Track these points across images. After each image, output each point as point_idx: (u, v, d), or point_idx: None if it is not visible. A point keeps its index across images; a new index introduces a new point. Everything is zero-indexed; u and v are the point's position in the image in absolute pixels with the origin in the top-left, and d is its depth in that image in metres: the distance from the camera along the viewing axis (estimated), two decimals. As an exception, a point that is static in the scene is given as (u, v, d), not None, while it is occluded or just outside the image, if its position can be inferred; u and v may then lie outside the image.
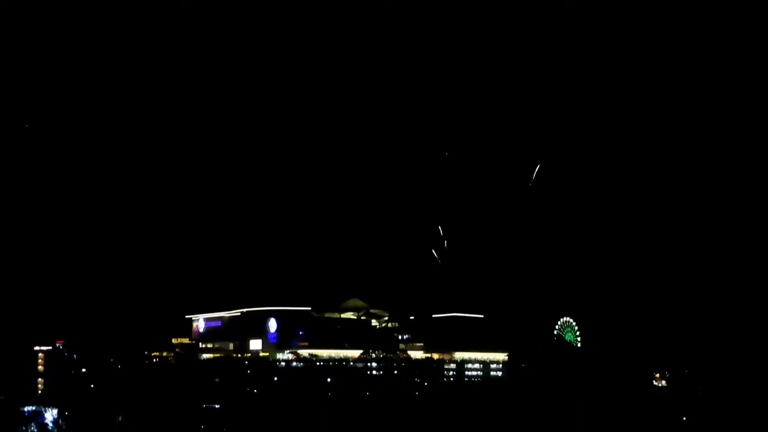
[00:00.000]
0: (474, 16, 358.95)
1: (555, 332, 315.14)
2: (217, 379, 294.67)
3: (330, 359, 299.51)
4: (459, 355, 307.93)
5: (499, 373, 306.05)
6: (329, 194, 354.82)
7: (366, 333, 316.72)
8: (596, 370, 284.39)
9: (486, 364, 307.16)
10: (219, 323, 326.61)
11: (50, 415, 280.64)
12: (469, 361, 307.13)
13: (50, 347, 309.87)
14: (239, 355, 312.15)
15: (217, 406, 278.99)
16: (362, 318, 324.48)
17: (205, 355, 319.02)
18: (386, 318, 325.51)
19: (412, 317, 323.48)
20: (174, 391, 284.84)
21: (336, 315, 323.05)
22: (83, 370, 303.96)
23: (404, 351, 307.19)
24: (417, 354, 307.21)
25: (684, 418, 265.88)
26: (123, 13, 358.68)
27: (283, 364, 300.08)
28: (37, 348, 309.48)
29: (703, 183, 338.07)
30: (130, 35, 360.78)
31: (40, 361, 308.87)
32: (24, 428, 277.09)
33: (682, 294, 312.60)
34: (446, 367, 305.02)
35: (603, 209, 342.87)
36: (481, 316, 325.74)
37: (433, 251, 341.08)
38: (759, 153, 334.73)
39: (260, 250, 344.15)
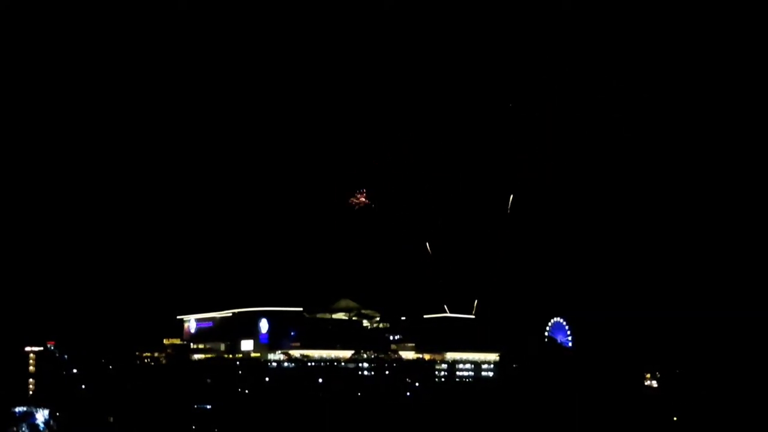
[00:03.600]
0: (473, 17, 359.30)
1: (546, 333, 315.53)
2: (208, 380, 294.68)
3: (321, 360, 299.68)
4: (450, 356, 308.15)
5: (491, 374, 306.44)
6: (319, 195, 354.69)
7: (357, 333, 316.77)
8: (587, 370, 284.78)
9: (477, 365, 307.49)
10: (210, 324, 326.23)
11: (41, 415, 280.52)
12: (461, 361, 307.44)
13: (41, 348, 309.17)
14: (231, 356, 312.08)
15: (208, 407, 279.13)
16: (353, 318, 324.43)
17: (196, 356, 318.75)
18: (378, 318, 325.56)
19: (403, 318, 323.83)
20: (165, 391, 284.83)
21: (327, 315, 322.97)
22: (74, 370, 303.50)
23: (396, 351, 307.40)
24: (408, 354, 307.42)
25: (675, 418, 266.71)
26: (123, 13, 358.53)
27: (274, 364, 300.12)
28: (28, 349, 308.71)
29: (693, 184, 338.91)
30: (130, 35, 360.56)
31: (31, 361, 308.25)
32: (15, 429, 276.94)
33: (673, 295, 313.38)
34: (437, 367, 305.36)
35: (594, 210, 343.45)
36: (473, 316, 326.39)
37: (427, 245, 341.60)
38: (755, 153, 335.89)
39: (251, 250, 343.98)
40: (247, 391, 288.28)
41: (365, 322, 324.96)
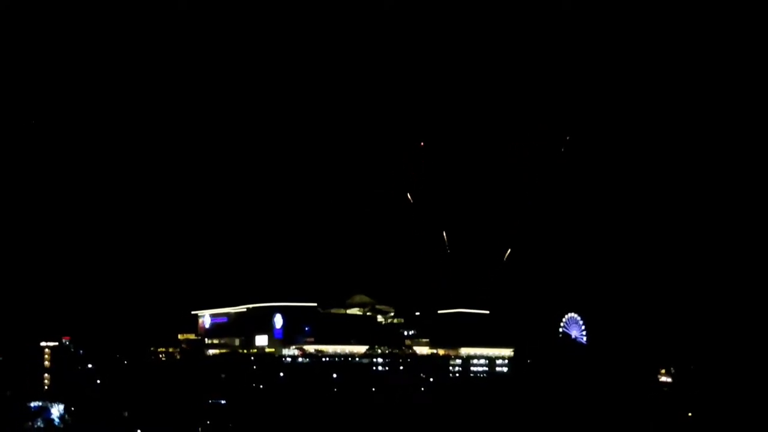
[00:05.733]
0: (473, 17, 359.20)
1: (561, 328, 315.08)
2: (223, 375, 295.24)
3: (336, 355, 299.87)
4: (464, 351, 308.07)
5: (505, 369, 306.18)
6: (335, 190, 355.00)
7: (372, 329, 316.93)
8: (602, 365, 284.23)
9: (491, 360, 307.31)
10: (225, 319, 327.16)
11: (56, 410, 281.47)
12: (475, 357, 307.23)
13: (57, 343, 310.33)
14: (245, 351, 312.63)
15: (222, 402, 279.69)
16: (368, 314, 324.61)
17: (211, 351, 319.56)
18: (392, 314, 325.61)
19: (417, 313, 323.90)
20: (180, 386, 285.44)
21: (342, 311, 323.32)
22: (89, 365, 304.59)
23: (410, 347, 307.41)
24: (423, 350, 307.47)
25: (689, 414, 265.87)
26: (123, 12, 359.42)
27: (288, 359, 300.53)
28: (43, 344, 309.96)
29: (708, 181, 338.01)
30: (130, 35, 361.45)
31: (46, 356, 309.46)
32: (30, 424, 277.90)
33: (687, 290, 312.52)
34: (452, 363, 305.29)
35: (609, 205, 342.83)
36: (487, 312, 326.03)
37: (444, 236, 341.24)
38: (759, 152, 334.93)
39: (266, 245, 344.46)
40: (261, 387, 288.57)
41: (380, 318, 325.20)
